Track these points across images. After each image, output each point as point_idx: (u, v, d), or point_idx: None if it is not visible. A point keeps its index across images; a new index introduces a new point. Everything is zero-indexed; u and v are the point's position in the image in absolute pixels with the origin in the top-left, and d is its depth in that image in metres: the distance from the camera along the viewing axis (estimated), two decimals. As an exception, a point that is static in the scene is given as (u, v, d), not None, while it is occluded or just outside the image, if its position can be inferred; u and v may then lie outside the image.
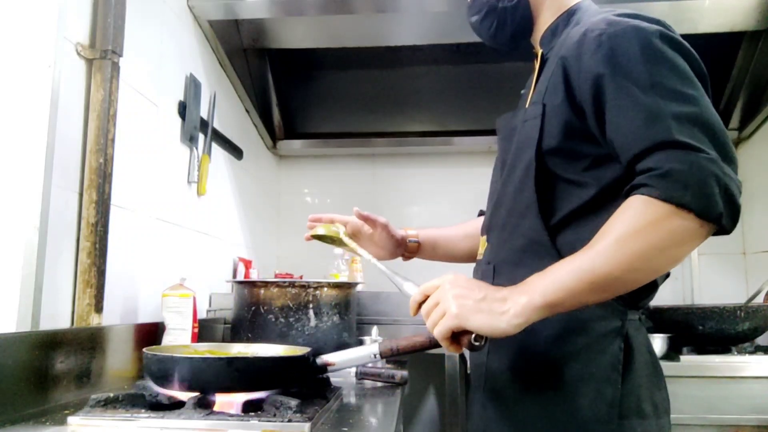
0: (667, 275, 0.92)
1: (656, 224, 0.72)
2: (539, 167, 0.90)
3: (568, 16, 1.01)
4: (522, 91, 1.12)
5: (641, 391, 0.86)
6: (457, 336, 0.79)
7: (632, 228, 0.73)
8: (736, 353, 1.86)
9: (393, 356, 1.20)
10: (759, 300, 1.92)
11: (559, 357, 0.87)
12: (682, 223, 0.72)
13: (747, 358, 1.81)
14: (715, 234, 0.75)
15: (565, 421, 0.85)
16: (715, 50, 2.34)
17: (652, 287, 0.89)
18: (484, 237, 1.06)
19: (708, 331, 1.83)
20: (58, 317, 1.12)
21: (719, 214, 0.72)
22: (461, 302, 0.77)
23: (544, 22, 1.04)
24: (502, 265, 0.97)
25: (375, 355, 1.23)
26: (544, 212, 0.89)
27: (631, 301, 0.87)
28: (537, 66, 1.02)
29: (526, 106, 0.99)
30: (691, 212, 0.71)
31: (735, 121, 2.49)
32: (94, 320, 1.17)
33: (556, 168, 0.89)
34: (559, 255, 0.86)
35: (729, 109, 2.48)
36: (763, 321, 1.82)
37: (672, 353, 1.87)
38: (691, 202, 0.71)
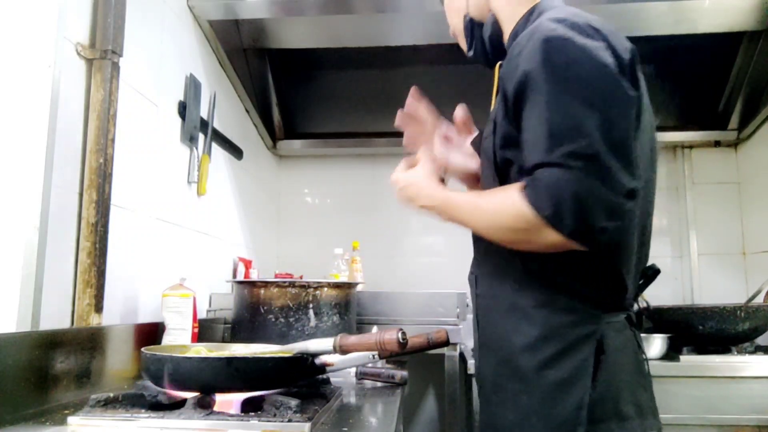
0: (645, 275, 0.97)
1: (513, 216, 0.84)
2: (501, 183, 0.94)
3: (524, 23, 1.03)
4: None
5: (621, 392, 0.87)
6: None
7: (497, 217, 0.87)
8: (736, 353, 1.86)
9: (393, 356, 1.20)
10: (759, 300, 1.92)
11: (534, 364, 0.90)
12: (539, 229, 0.81)
13: (747, 358, 1.81)
14: (587, 247, 0.82)
15: (540, 427, 0.88)
16: (714, 50, 2.34)
17: (619, 288, 0.91)
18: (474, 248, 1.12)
19: (708, 331, 1.84)
20: (58, 317, 1.12)
21: (565, 225, 0.79)
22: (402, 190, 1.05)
23: (506, 32, 1.09)
24: (482, 277, 1.05)
25: (374, 356, 1.23)
26: None
27: (605, 305, 0.90)
28: (495, 81, 1.05)
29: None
30: (544, 220, 0.80)
31: (735, 121, 2.49)
32: (94, 320, 1.17)
33: (514, 182, 0.90)
34: (524, 269, 0.93)
35: (729, 109, 2.48)
36: (763, 321, 1.82)
37: (672, 353, 1.87)
38: (545, 209, 0.80)
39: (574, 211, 0.78)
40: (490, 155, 0.96)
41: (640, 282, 0.98)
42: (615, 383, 0.87)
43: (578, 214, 0.78)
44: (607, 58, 0.85)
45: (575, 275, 0.89)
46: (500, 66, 1.01)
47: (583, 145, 0.79)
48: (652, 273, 0.98)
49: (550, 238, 0.81)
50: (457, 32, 1.18)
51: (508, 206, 0.85)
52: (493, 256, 1.01)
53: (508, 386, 0.93)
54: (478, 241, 1.07)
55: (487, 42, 1.11)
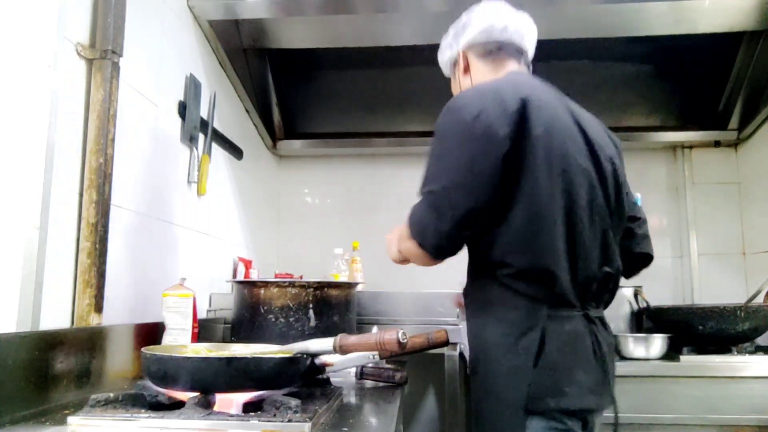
0: (599, 276, 1.12)
1: (403, 238, 1.16)
2: None
3: None
4: None
5: (560, 374, 1.02)
6: None
7: (399, 235, 1.19)
8: (736, 353, 1.86)
9: (393, 356, 1.20)
10: (759, 300, 1.92)
11: (496, 353, 1.07)
12: (412, 245, 1.12)
13: (747, 358, 1.81)
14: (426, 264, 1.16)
15: (497, 408, 1.05)
16: (714, 50, 2.34)
17: (552, 284, 1.05)
18: None
19: (708, 331, 1.84)
20: (58, 317, 1.12)
21: (426, 244, 1.10)
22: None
23: None
24: (468, 283, 1.22)
25: (374, 356, 1.23)
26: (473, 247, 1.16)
27: (549, 302, 1.05)
28: None
29: None
30: (414, 240, 1.11)
31: (734, 121, 2.49)
32: (94, 320, 1.17)
33: None
34: (490, 275, 1.11)
35: (728, 109, 2.48)
36: (763, 321, 1.82)
37: (672, 353, 1.87)
38: (412, 234, 1.12)
39: (428, 235, 1.09)
40: None
41: (596, 286, 1.11)
42: (554, 367, 1.02)
43: (429, 237, 1.10)
44: (466, 116, 1.06)
45: (520, 278, 1.06)
46: None
47: (430, 188, 1.09)
48: (605, 278, 1.13)
49: (421, 252, 1.11)
50: None
51: (401, 238, 1.19)
52: (471, 265, 1.19)
53: (480, 373, 1.10)
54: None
55: None
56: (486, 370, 1.09)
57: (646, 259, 1.30)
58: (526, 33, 1.25)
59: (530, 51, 1.28)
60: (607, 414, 1.11)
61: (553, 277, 1.05)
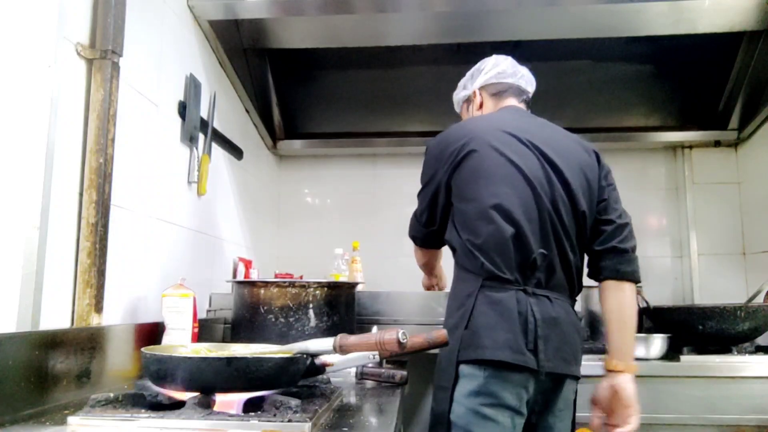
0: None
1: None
2: None
3: None
4: None
5: (482, 332, 1.24)
6: None
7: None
8: (736, 353, 1.86)
9: (393, 356, 1.20)
10: (759, 300, 1.92)
11: (447, 317, 1.34)
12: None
13: (747, 358, 1.81)
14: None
15: (441, 359, 1.30)
16: (715, 50, 2.34)
17: (492, 264, 1.27)
18: None
19: (708, 331, 1.83)
20: (58, 317, 1.12)
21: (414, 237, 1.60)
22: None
23: None
24: None
25: (374, 356, 1.23)
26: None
27: (487, 276, 1.28)
28: None
29: None
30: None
31: (734, 121, 2.49)
32: (94, 320, 1.17)
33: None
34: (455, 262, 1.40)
35: (728, 109, 2.48)
36: (763, 321, 1.82)
37: (672, 353, 1.87)
38: (414, 239, 1.61)
39: (420, 239, 1.59)
40: None
41: (531, 263, 1.30)
42: (479, 325, 1.24)
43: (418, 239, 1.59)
44: (428, 158, 1.48)
45: (468, 258, 1.32)
46: None
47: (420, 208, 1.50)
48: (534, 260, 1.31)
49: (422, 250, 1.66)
50: None
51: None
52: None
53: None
54: None
55: None
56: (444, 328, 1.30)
57: (610, 253, 1.37)
58: (529, 79, 1.52)
59: (530, 92, 1.53)
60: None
61: (491, 258, 1.28)
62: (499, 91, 1.51)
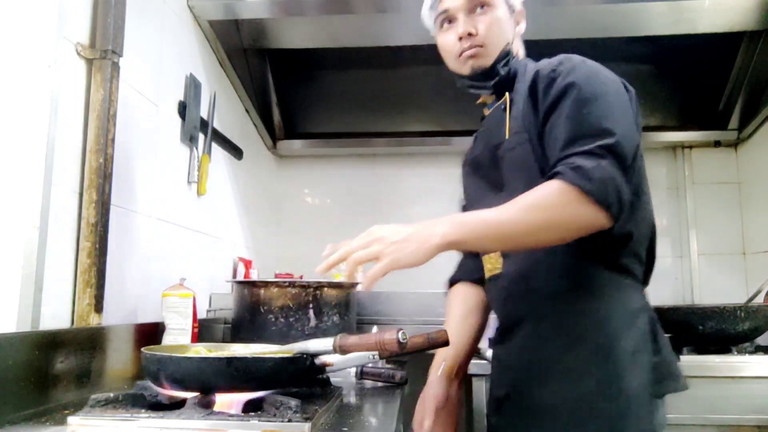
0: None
1: (562, 203, 0.91)
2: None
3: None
4: (480, 131, 1.28)
5: (671, 358, 1.02)
6: None
7: (541, 201, 0.92)
8: (736, 353, 1.86)
9: (393, 356, 1.20)
10: (759, 300, 1.92)
11: (605, 339, 1.00)
12: (581, 206, 0.91)
13: (747, 358, 1.81)
14: (599, 229, 0.93)
15: (619, 396, 0.96)
16: (715, 50, 2.34)
17: (643, 268, 1.06)
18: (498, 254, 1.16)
19: (708, 331, 1.83)
20: (58, 317, 1.12)
21: (614, 203, 0.91)
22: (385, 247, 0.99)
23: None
24: (535, 271, 1.08)
25: (374, 356, 1.23)
26: None
27: (643, 281, 1.06)
28: (507, 103, 1.15)
29: (507, 137, 1.11)
30: (591, 198, 0.90)
31: (735, 121, 2.49)
32: (94, 320, 1.17)
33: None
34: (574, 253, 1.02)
35: (729, 109, 2.48)
36: (763, 321, 1.82)
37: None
38: (592, 190, 0.90)
39: (614, 192, 0.91)
40: (529, 161, 1.06)
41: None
42: (667, 350, 1.02)
43: (617, 195, 0.91)
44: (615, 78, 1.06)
45: (634, 258, 1.04)
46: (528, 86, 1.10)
47: (613, 141, 0.93)
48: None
49: (600, 216, 0.91)
50: (491, 49, 1.15)
51: (558, 200, 0.92)
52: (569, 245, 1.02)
53: (576, 364, 1.00)
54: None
55: (505, 71, 1.17)
56: (591, 356, 1.00)
57: None
58: None
59: None
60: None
61: (651, 256, 1.07)
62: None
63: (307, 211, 2.88)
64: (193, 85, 1.74)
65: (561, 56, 1.06)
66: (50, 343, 1.00)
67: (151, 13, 1.51)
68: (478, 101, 1.26)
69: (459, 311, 1.30)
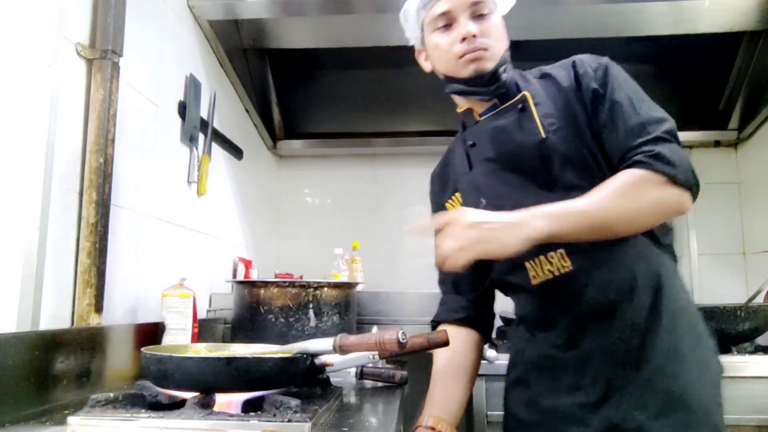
0: None
1: (652, 189, 0.97)
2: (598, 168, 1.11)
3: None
4: (482, 133, 1.23)
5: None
6: None
7: (632, 188, 0.97)
8: (736, 353, 1.85)
9: (393, 356, 1.20)
10: (759, 300, 1.92)
11: (698, 321, 1.09)
12: (669, 190, 0.97)
13: (747, 358, 1.81)
14: (684, 212, 1.01)
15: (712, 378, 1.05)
16: (714, 50, 2.34)
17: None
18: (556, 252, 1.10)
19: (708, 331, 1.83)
20: (58, 317, 1.12)
21: (694, 185, 1.00)
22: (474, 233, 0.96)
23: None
24: (620, 261, 1.09)
25: (374, 356, 1.23)
26: None
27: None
28: (530, 102, 1.16)
29: (542, 135, 1.11)
30: (676, 183, 0.97)
31: (734, 121, 2.49)
32: (94, 320, 1.17)
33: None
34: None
35: (728, 110, 2.48)
36: (763, 321, 1.82)
37: (672, 353, 1.86)
38: (678, 175, 0.97)
39: (693, 174, 1.00)
40: (579, 154, 1.09)
41: None
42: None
43: (694, 176, 1.00)
44: None
45: (672, 242, 1.16)
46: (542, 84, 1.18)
47: (672, 126, 1.04)
48: None
49: (684, 198, 0.99)
50: (495, 53, 1.15)
51: (645, 185, 0.98)
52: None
53: (699, 349, 1.06)
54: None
55: (506, 77, 1.17)
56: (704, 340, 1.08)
57: None
58: None
59: None
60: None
61: None
62: None
63: (307, 211, 2.88)
64: (193, 85, 1.74)
65: (589, 56, 1.17)
66: (50, 343, 1.00)
67: (151, 13, 1.51)
68: (462, 109, 1.25)
69: (445, 354, 1.22)
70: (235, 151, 2.19)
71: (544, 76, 1.19)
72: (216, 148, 1.97)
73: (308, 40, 2.19)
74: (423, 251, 2.76)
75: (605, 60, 1.14)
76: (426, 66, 1.24)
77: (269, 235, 2.73)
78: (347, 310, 1.58)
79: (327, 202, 2.89)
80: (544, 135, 1.10)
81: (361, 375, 1.35)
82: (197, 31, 1.83)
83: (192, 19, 1.79)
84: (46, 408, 0.97)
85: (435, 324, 1.30)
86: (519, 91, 1.16)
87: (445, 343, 1.11)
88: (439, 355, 1.23)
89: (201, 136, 1.82)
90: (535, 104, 1.14)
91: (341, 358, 1.18)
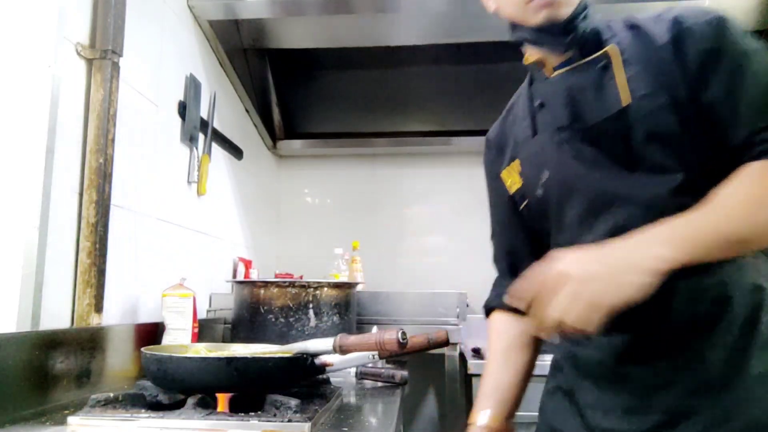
0: None
1: None
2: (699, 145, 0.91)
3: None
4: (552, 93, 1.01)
5: None
6: None
7: (763, 192, 0.78)
8: (736, 353, 1.85)
9: (393, 356, 1.20)
10: (759, 300, 1.91)
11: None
12: None
13: (747, 358, 1.80)
14: None
15: None
16: (715, 50, 2.34)
17: None
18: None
19: (708, 331, 1.83)
20: (58, 317, 1.12)
21: None
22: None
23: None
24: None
25: (374, 356, 1.23)
26: None
27: None
28: (613, 59, 0.95)
29: (628, 100, 0.92)
30: None
31: (735, 121, 2.49)
32: (94, 320, 1.17)
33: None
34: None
35: (729, 109, 2.48)
36: (763, 321, 1.82)
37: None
38: None
39: None
40: (672, 129, 0.89)
41: None
42: None
43: None
44: None
45: None
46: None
47: None
48: None
49: None
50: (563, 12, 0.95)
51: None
52: None
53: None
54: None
55: (584, 27, 0.99)
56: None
57: None
58: None
59: None
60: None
61: None
62: None
63: (307, 211, 2.88)
64: (193, 85, 1.74)
65: (695, 10, 0.91)
66: (50, 343, 1.00)
67: (151, 13, 1.51)
68: (530, 61, 1.05)
69: (499, 346, 1.08)
70: (235, 151, 2.19)
71: (633, 28, 0.97)
72: (216, 148, 1.97)
73: (308, 40, 2.19)
74: (423, 251, 2.78)
75: (719, 15, 0.88)
76: (489, 4, 1.03)
77: (269, 235, 2.73)
78: (347, 310, 1.58)
79: (327, 202, 2.89)
80: (630, 101, 0.91)
81: (361, 375, 1.35)
82: (197, 31, 1.83)
83: (192, 19, 1.79)
84: (46, 408, 0.97)
85: (488, 310, 1.14)
86: (601, 43, 0.97)
87: (445, 343, 1.11)
88: (493, 344, 1.08)
89: (201, 136, 1.82)
90: (624, 62, 0.94)
91: (341, 358, 1.18)
